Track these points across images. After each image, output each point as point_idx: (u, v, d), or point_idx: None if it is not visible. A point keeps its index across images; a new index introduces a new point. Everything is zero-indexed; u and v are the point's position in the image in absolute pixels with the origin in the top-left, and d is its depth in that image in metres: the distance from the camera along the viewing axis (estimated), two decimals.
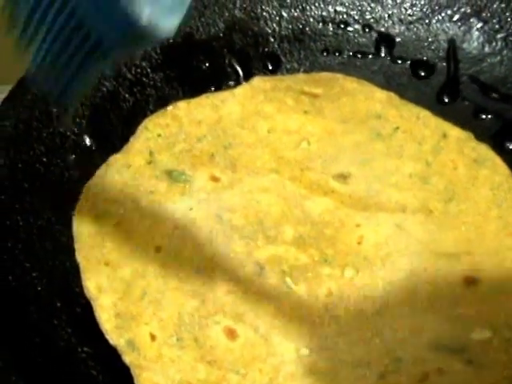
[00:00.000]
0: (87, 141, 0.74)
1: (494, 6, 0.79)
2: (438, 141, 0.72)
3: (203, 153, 0.72)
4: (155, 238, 0.67)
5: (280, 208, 0.68)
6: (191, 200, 0.69)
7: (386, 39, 0.80)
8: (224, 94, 0.75)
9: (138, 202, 0.68)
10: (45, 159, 0.72)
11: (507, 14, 0.78)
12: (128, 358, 0.60)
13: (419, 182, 0.70)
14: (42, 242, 0.68)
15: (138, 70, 0.78)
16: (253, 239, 0.66)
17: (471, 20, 0.79)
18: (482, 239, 0.66)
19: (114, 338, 0.61)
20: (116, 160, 0.71)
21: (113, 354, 0.62)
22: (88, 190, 0.70)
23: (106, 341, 0.62)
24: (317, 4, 0.81)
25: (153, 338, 0.61)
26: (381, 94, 0.75)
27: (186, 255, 0.66)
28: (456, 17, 0.80)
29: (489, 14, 0.79)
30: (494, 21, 0.79)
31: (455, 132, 0.73)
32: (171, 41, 0.78)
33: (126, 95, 0.77)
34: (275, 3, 0.81)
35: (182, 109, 0.74)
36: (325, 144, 0.72)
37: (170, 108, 0.74)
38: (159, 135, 0.73)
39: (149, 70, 0.78)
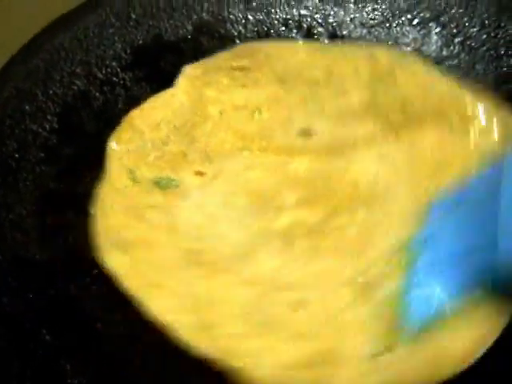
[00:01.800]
0: (58, 138, 0.76)
1: (453, 11, 0.80)
2: (372, 66, 0.76)
3: (175, 154, 0.73)
4: (180, 246, 0.68)
5: (270, 179, 0.70)
6: (191, 199, 0.70)
7: (347, 42, 0.82)
8: (167, 92, 0.76)
9: (146, 220, 0.69)
10: (17, 155, 0.74)
11: (465, 19, 0.80)
12: None
13: (372, 108, 0.73)
14: (12, 234, 0.70)
15: (109, 70, 0.79)
16: (265, 213, 0.69)
17: (430, 24, 0.81)
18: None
19: None
20: (103, 190, 0.72)
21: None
22: (95, 232, 0.69)
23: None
24: (281, 7, 0.83)
25: None
26: (303, 47, 0.78)
27: (220, 249, 0.67)
28: (416, 21, 0.81)
29: (447, 19, 0.80)
30: (452, 25, 0.80)
31: (382, 53, 0.77)
32: (140, 42, 0.81)
33: (97, 94, 0.78)
34: (241, 6, 0.82)
35: (136, 117, 0.75)
36: (275, 108, 0.74)
37: (125, 120, 0.75)
38: (128, 151, 0.73)
39: (118, 69, 0.80)
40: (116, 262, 0.67)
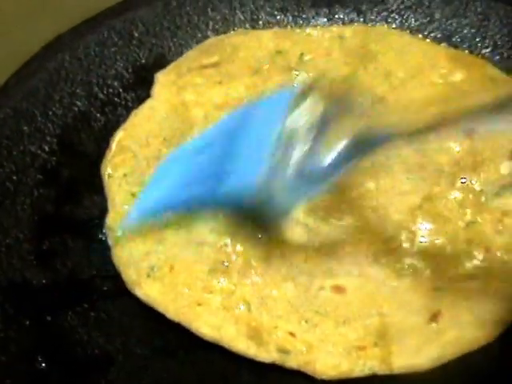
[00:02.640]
0: (57, 160, 0.75)
1: (465, 31, 0.79)
2: (345, 45, 0.77)
3: None
4: (206, 259, 0.67)
5: None
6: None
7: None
8: (146, 105, 0.75)
9: (165, 241, 0.68)
10: (15, 177, 0.72)
11: (477, 39, 0.79)
12: None
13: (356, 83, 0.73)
14: (9, 259, 0.68)
15: (110, 90, 0.78)
16: None
17: (442, 45, 0.79)
18: None
19: None
20: (111, 218, 0.70)
21: None
22: (118, 264, 0.68)
23: None
24: (288, 26, 0.81)
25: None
26: (268, 34, 0.78)
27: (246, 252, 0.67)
28: (427, 41, 0.80)
29: (459, 39, 0.79)
30: (464, 46, 0.79)
31: (352, 31, 0.78)
32: (143, 61, 0.80)
33: (98, 115, 0.77)
34: (247, 25, 0.81)
35: (124, 138, 0.74)
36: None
37: (113, 142, 0.73)
38: (125, 175, 0.72)
39: (120, 89, 0.78)
40: (149, 290, 0.66)
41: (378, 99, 0.73)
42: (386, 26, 0.79)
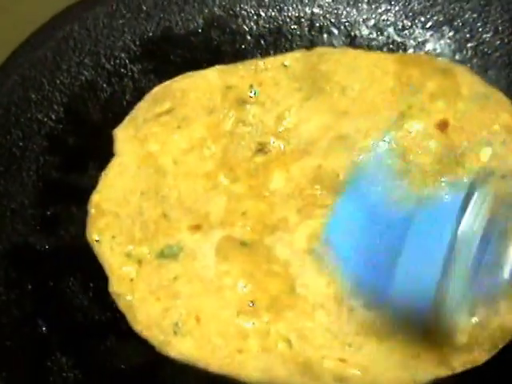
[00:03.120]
0: (64, 128, 0.75)
1: (466, 15, 0.80)
2: (284, 70, 0.76)
3: (157, 219, 0.70)
4: (230, 303, 0.66)
5: (261, 204, 0.70)
6: (206, 254, 0.68)
7: (359, 43, 0.81)
8: (114, 163, 0.73)
9: (180, 294, 0.67)
10: (21, 144, 0.73)
11: (478, 23, 0.79)
12: None
13: (314, 103, 0.74)
14: (14, 224, 0.70)
15: (117, 61, 0.79)
16: (280, 239, 0.69)
17: (443, 28, 0.80)
18: None
19: None
20: (116, 287, 0.68)
21: None
22: (141, 330, 0.66)
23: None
24: (294, 5, 0.82)
25: None
26: (212, 72, 0.76)
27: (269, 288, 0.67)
28: (429, 24, 0.81)
29: (461, 23, 0.80)
30: (466, 30, 0.80)
31: (296, 57, 0.77)
32: (150, 34, 0.80)
33: (104, 85, 0.78)
34: (253, 2, 0.82)
35: (101, 201, 0.71)
36: (219, 139, 0.73)
37: (91, 207, 0.71)
38: (113, 237, 0.70)
39: (127, 61, 0.79)
40: (182, 348, 0.65)
41: (341, 113, 0.73)
42: (327, 47, 0.79)
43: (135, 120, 0.75)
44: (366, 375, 0.62)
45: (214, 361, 0.64)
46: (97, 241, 0.69)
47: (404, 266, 0.61)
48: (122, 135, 0.74)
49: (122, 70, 0.79)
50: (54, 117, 0.75)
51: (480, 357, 0.62)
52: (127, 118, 0.75)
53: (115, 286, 0.67)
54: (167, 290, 0.67)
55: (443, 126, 0.71)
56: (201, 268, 0.67)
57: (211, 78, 0.76)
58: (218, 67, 0.77)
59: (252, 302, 0.65)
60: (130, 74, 0.79)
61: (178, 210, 0.70)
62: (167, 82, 0.76)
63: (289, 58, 0.77)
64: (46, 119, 0.75)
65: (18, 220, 0.71)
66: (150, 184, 0.71)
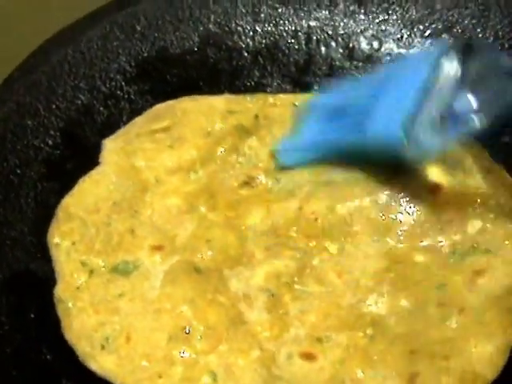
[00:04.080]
0: (61, 153, 0.75)
1: (465, 21, 0.79)
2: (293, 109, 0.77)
3: (122, 233, 0.69)
4: (165, 328, 0.64)
5: (230, 236, 0.69)
6: (158, 276, 0.67)
7: (358, 55, 0.81)
8: (95, 171, 0.73)
9: (120, 311, 0.65)
10: (19, 171, 0.73)
11: (478, 29, 0.79)
12: None
13: None
14: (14, 252, 0.69)
15: (113, 83, 0.79)
16: (232, 265, 0.67)
17: (443, 36, 0.80)
18: None
19: None
20: (61, 290, 0.67)
21: None
22: (70, 338, 0.65)
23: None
24: (290, 19, 0.82)
25: None
26: (219, 99, 0.76)
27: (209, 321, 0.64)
28: (428, 32, 0.80)
29: (460, 30, 0.79)
30: (465, 36, 0.79)
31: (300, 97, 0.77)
32: (145, 54, 0.80)
33: (101, 108, 0.77)
34: (249, 18, 0.81)
35: (71, 205, 0.71)
36: (207, 161, 0.73)
37: (59, 210, 0.71)
38: (73, 243, 0.69)
39: (123, 83, 0.79)
40: (104, 363, 0.63)
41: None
42: None
43: (128, 133, 0.75)
44: None
45: (131, 381, 0.62)
46: (56, 244, 0.69)
47: (377, 113, 0.65)
48: (111, 145, 0.74)
49: (118, 92, 0.78)
50: (50, 142, 0.75)
51: None
52: (120, 130, 0.75)
53: (60, 291, 0.67)
54: (109, 305, 0.66)
55: (436, 189, 0.69)
56: (148, 288, 0.66)
57: (216, 103, 0.76)
58: (226, 96, 0.77)
59: (188, 328, 0.63)
60: (126, 95, 0.78)
61: (147, 227, 0.69)
62: (171, 102, 0.76)
63: (300, 99, 0.76)
64: (42, 145, 0.74)
65: (18, 248, 0.70)
66: (126, 197, 0.71)
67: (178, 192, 0.71)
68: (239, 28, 0.81)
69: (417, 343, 0.62)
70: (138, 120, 0.76)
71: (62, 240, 0.69)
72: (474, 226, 0.67)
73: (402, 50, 0.80)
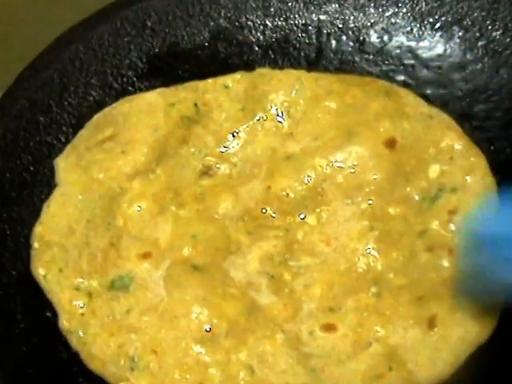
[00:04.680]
0: None
1: (475, 14, 0.79)
2: (226, 91, 0.76)
3: (104, 249, 0.68)
4: (186, 340, 0.63)
5: (211, 228, 0.69)
6: (158, 283, 0.66)
7: (368, 48, 0.80)
8: (57, 194, 0.71)
9: (134, 327, 0.64)
10: (32, 168, 0.73)
11: (487, 22, 0.78)
12: None
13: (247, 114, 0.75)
14: (28, 250, 0.68)
15: (124, 80, 0.78)
16: (224, 256, 0.68)
17: (453, 28, 0.79)
18: None
19: None
20: (66, 322, 0.65)
21: None
22: (95, 368, 0.64)
23: None
24: (300, 13, 0.81)
25: None
26: (152, 95, 0.75)
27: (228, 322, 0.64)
28: (438, 25, 0.80)
29: (470, 22, 0.79)
30: (475, 29, 0.79)
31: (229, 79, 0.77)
32: (156, 50, 0.80)
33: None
34: (259, 12, 0.81)
35: (44, 233, 0.69)
36: (162, 158, 0.72)
37: (34, 241, 0.69)
38: (60, 270, 0.67)
39: (135, 79, 0.79)
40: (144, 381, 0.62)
41: (285, 135, 0.74)
42: (268, 68, 0.77)
43: (77, 148, 0.73)
44: None
45: None
46: (44, 277, 0.67)
47: None
48: (63, 164, 0.72)
49: (130, 88, 0.78)
50: (63, 139, 0.75)
51: (444, 372, 0.62)
52: (68, 147, 0.73)
53: (65, 322, 0.65)
54: (120, 323, 0.64)
55: (391, 144, 0.71)
56: (153, 298, 0.65)
57: (151, 99, 0.75)
58: (158, 90, 0.76)
59: (210, 328, 0.62)
60: (137, 91, 0.78)
61: (126, 238, 0.68)
62: (107, 109, 0.75)
63: (229, 80, 0.76)
64: (55, 142, 0.74)
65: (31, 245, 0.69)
66: (96, 212, 0.69)
67: (145, 195, 0.70)
68: (249, 22, 0.81)
69: (421, 289, 0.65)
70: (83, 132, 0.74)
71: (48, 270, 0.67)
72: (434, 170, 0.70)
73: (412, 43, 0.80)
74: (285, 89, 0.75)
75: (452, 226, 0.67)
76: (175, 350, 0.62)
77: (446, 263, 0.65)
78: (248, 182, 0.71)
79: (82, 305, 0.65)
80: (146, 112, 0.73)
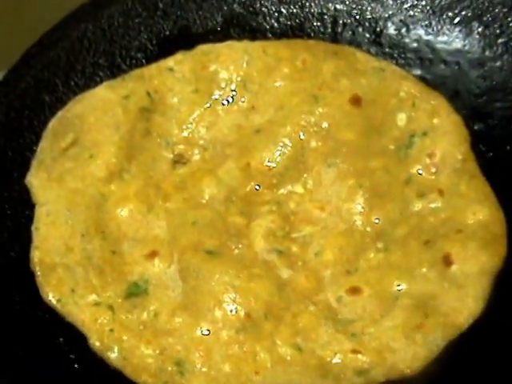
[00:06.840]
0: None
1: (496, 10, 0.77)
2: (171, 74, 0.75)
3: (108, 259, 0.66)
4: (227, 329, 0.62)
5: (204, 211, 0.68)
6: (175, 278, 0.65)
7: (385, 40, 0.79)
8: (40, 213, 0.68)
9: (168, 330, 0.62)
10: (35, 147, 0.71)
11: (509, 18, 0.77)
12: None
13: None
14: (28, 230, 0.67)
15: (133, 61, 0.77)
16: (229, 238, 0.66)
17: (472, 23, 0.78)
18: None
19: None
20: (104, 343, 0.62)
21: None
22: (141, 375, 0.61)
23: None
24: (316, 1, 0.80)
25: None
26: (102, 90, 0.73)
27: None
28: (457, 19, 0.78)
29: (490, 18, 0.77)
30: (496, 25, 0.77)
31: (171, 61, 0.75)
32: (167, 33, 0.79)
33: None
34: None
35: (43, 257, 0.65)
36: (131, 155, 0.70)
37: (35, 267, 0.65)
38: (73, 290, 0.63)
39: (144, 61, 0.77)
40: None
41: (247, 109, 0.73)
42: (209, 44, 0.76)
43: (43, 162, 0.70)
44: (384, 362, 0.60)
45: None
46: (58, 301, 0.63)
47: None
48: (36, 182, 0.69)
49: None
50: None
51: (476, 310, 0.62)
52: (34, 163, 0.70)
53: (97, 343, 0.62)
54: (153, 329, 0.62)
55: (356, 101, 0.72)
56: (176, 295, 0.64)
57: (103, 95, 0.73)
58: (105, 83, 0.74)
59: (249, 314, 0.61)
60: None
61: (125, 242, 0.67)
62: (60, 113, 0.72)
63: (172, 62, 0.75)
64: None
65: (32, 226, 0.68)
66: (88, 223, 0.67)
67: (128, 197, 0.68)
68: (264, 9, 0.80)
69: (425, 234, 0.66)
70: (43, 145, 0.71)
71: (60, 294, 0.64)
72: (401, 118, 0.72)
73: (431, 37, 0.78)
74: (234, 64, 0.74)
75: (433, 169, 0.69)
76: (218, 344, 0.61)
77: (440, 204, 0.67)
78: (223, 163, 0.71)
79: (107, 320, 0.62)
80: (102, 109, 0.72)
